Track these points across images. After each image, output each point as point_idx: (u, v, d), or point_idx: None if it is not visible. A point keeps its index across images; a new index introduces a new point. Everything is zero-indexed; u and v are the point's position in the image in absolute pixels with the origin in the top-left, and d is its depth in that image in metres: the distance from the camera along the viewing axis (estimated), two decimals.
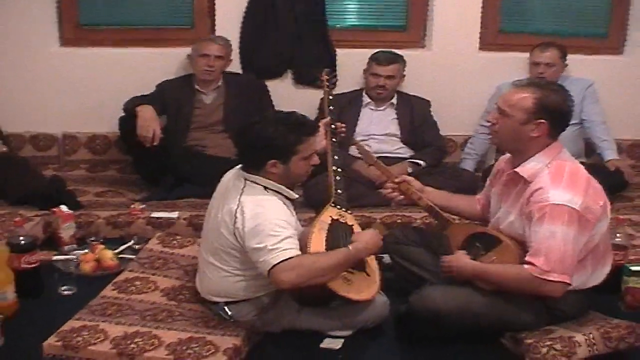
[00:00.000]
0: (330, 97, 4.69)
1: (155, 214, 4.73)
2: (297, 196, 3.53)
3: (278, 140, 3.36)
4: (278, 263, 3.20)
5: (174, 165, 5.10)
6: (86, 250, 4.29)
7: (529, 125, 3.35)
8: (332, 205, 3.81)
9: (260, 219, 3.28)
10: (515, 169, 3.43)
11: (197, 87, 5.36)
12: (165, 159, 5.02)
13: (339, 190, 3.91)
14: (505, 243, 3.43)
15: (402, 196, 3.87)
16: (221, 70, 5.36)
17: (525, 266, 3.22)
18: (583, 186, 3.29)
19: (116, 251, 4.31)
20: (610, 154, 5.46)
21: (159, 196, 5.01)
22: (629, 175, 5.34)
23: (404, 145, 5.46)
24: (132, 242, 4.48)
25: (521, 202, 3.38)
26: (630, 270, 3.77)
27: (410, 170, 5.17)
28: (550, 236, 3.18)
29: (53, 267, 4.13)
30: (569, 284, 3.23)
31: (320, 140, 3.98)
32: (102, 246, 4.28)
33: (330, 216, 3.71)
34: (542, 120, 3.33)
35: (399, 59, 5.48)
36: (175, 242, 4.36)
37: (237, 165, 3.65)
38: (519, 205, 3.41)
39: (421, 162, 5.30)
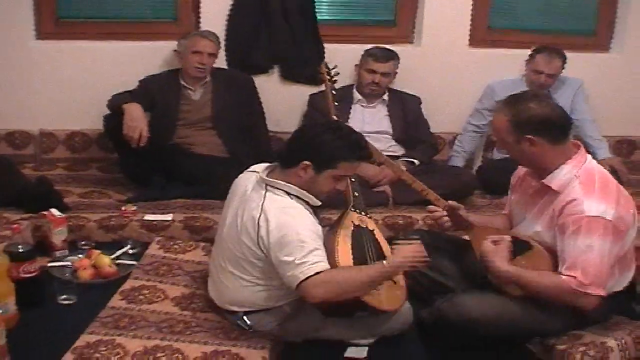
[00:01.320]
0: (334, 92, 4.57)
1: (148, 217, 4.56)
2: (320, 203, 3.37)
3: (327, 147, 3.24)
4: (307, 278, 3.07)
5: (161, 164, 4.93)
6: (81, 256, 4.10)
7: (522, 144, 3.30)
8: (352, 209, 3.70)
9: (287, 229, 3.14)
10: (543, 181, 3.35)
11: (183, 83, 5.18)
12: (151, 157, 4.83)
13: (355, 193, 3.80)
14: (537, 248, 3.36)
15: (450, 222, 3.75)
16: (212, 65, 5.19)
17: (564, 277, 3.15)
18: (615, 195, 3.24)
19: (113, 257, 4.12)
20: (603, 153, 5.48)
21: (149, 196, 4.83)
22: (623, 173, 5.31)
23: (396, 143, 5.38)
24: (128, 246, 4.29)
25: (550, 214, 3.31)
26: None
27: (404, 168, 5.06)
28: (588, 250, 3.13)
29: (50, 275, 3.93)
30: (604, 297, 3.19)
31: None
32: (98, 252, 4.08)
33: (352, 221, 3.59)
34: (529, 136, 3.26)
35: (395, 56, 5.38)
36: (177, 246, 4.21)
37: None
38: (547, 217, 3.34)
39: (415, 160, 5.22)
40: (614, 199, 3.20)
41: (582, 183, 3.23)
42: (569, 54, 5.49)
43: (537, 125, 3.26)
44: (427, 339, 3.52)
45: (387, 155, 5.11)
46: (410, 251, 3.36)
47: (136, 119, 4.68)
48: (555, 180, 3.30)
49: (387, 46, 5.46)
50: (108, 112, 4.92)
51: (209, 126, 5.21)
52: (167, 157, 4.97)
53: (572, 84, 5.55)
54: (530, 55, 5.45)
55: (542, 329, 3.37)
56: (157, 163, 4.91)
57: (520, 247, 3.39)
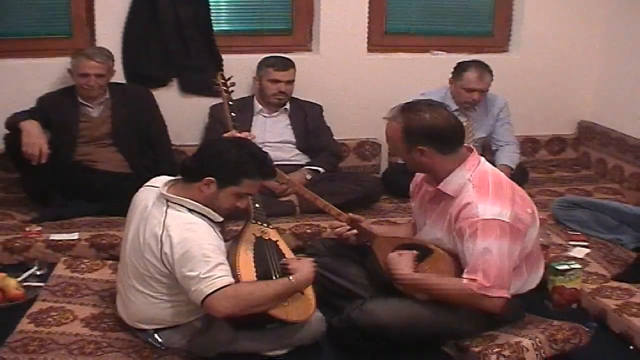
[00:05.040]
0: (231, 103, 4.58)
1: (54, 236, 4.50)
2: (222, 219, 3.39)
3: (232, 163, 3.26)
4: (212, 292, 3.09)
5: (63, 182, 4.87)
6: None
7: (413, 153, 3.36)
8: (253, 221, 3.71)
9: (190, 244, 3.15)
10: (438, 187, 3.41)
11: (81, 100, 5.11)
12: (53, 175, 4.78)
13: (256, 205, 3.80)
14: (438, 252, 3.43)
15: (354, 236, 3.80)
16: (104, 85, 5.11)
17: (465, 281, 3.21)
18: (509, 196, 3.30)
19: (20, 279, 4.05)
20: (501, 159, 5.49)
21: (50, 215, 4.77)
22: None
23: (299, 152, 5.41)
24: (35, 267, 4.22)
25: (448, 219, 3.37)
26: (556, 269, 3.86)
27: (309, 177, 5.15)
28: (486, 252, 3.18)
29: None
30: (508, 298, 3.25)
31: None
32: (4, 274, 4.01)
33: (254, 234, 3.61)
34: (420, 147, 3.32)
35: (292, 63, 5.42)
36: (83, 266, 4.17)
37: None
38: (445, 222, 3.40)
39: (319, 168, 5.26)
40: (508, 200, 3.27)
41: (476, 187, 3.29)
42: (468, 56, 5.57)
43: (427, 136, 3.31)
44: (341, 346, 3.55)
45: (291, 165, 5.20)
46: (307, 265, 3.44)
47: (34, 136, 4.62)
48: (450, 185, 3.35)
49: (285, 55, 5.50)
50: (1, 130, 4.86)
51: (109, 142, 5.16)
52: (70, 175, 4.90)
53: (497, 104, 5.58)
54: (456, 73, 5.39)
55: (453, 331, 3.41)
56: (59, 181, 4.84)
57: (421, 253, 3.46)
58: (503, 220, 3.20)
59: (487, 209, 3.21)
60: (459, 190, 3.32)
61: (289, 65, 5.37)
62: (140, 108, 5.29)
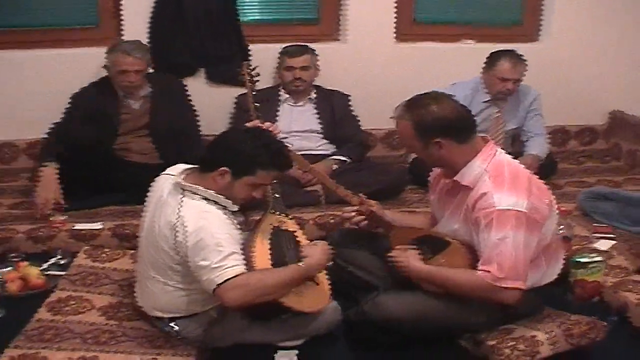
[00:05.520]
0: (254, 93, 4.58)
1: (78, 226, 4.54)
2: (237, 208, 3.38)
3: (247, 154, 3.26)
4: (223, 282, 3.09)
5: (98, 174, 4.87)
6: (9, 269, 4.06)
7: (430, 148, 3.33)
8: (271, 211, 3.70)
9: (203, 233, 3.14)
10: (455, 178, 3.38)
11: (121, 93, 5.11)
12: (90, 167, 4.82)
13: (275, 195, 3.79)
14: (454, 245, 3.40)
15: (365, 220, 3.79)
16: (143, 78, 5.11)
17: (479, 273, 3.19)
18: (526, 186, 3.26)
19: (42, 268, 4.09)
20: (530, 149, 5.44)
21: (79, 205, 4.78)
22: None
23: (326, 142, 5.39)
24: (57, 257, 4.26)
25: (464, 210, 3.34)
26: (577, 262, 3.80)
27: (335, 167, 5.12)
28: (501, 243, 3.15)
29: None
30: (524, 290, 3.21)
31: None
32: (26, 263, 4.07)
33: (271, 224, 3.60)
34: (436, 140, 3.29)
35: (309, 50, 5.40)
36: (104, 255, 4.21)
37: (160, 171, 3.51)
38: (462, 213, 3.37)
39: (345, 158, 5.24)
40: (525, 190, 3.23)
41: (492, 177, 3.26)
42: (497, 45, 5.51)
43: (440, 128, 3.28)
44: (357, 338, 3.53)
45: (317, 154, 5.18)
46: (319, 249, 3.42)
47: (47, 189, 4.68)
48: (466, 176, 3.32)
49: (312, 44, 5.49)
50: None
51: (145, 133, 5.18)
52: (106, 166, 4.93)
53: (530, 95, 5.52)
54: (489, 62, 5.34)
55: (467, 325, 3.39)
56: (92, 172, 4.86)
57: (438, 246, 3.43)
58: (519, 211, 3.16)
59: (503, 198, 3.18)
60: (475, 181, 3.29)
61: (302, 51, 5.36)
62: (174, 98, 5.31)
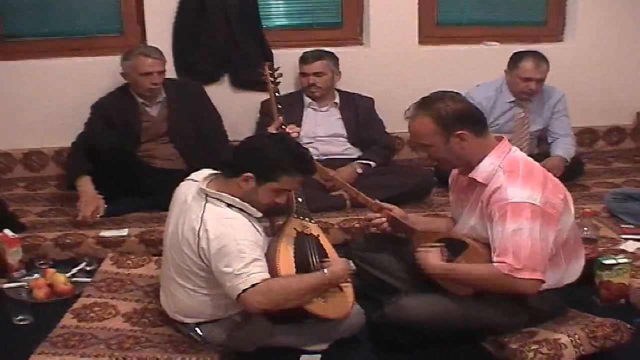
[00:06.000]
0: (277, 94, 4.58)
1: (104, 233, 4.58)
2: (260, 214, 3.38)
3: (271, 159, 3.27)
4: (246, 289, 3.09)
5: (124, 180, 4.92)
6: (37, 276, 4.11)
7: (452, 142, 3.32)
8: (295, 216, 3.71)
9: (226, 239, 3.15)
10: (470, 175, 3.38)
11: (140, 100, 5.16)
12: (118, 174, 4.86)
13: (299, 199, 3.81)
14: (473, 246, 3.38)
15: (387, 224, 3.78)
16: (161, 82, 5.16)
17: (495, 264, 3.16)
18: (540, 180, 3.26)
19: (68, 275, 4.13)
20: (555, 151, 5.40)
21: (107, 212, 4.81)
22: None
23: (351, 146, 5.39)
24: (84, 263, 4.29)
25: (480, 205, 3.33)
26: (603, 264, 3.75)
27: (360, 171, 5.11)
28: (516, 233, 3.13)
29: (4, 296, 3.95)
30: (543, 281, 3.18)
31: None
32: (53, 270, 4.10)
33: (295, 228, 3.60)
34: (460, 131, 3.29)
35: (326, 55, 5.39)
36: (129, 262, 4.24)
37: (184, 176, 3.53)
38: (478, 208, 3.36)
39: (371, 162, 5.22)
40: (539, 184, 3.22)
41: (506, 172, 3.26)
42: (521, 46, 5.49)
43: (460, 118, 3.29)
44: (379, 340, 3.52)
45: (342, 158, 5.18)
46: (341, 263, 3.44)
47: (91, 196, 4.78)
48: (480, 172, 3.33)
49: (335, 48, 5.51)
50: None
51: (167, 140, 5.21)
52: (132, 173, 4.96)
53: (555, 96, 5.49)
54: (511, 62, 5.31)
55: (489, 326, 3.37)
56: (119, 179, 4.89)
57: (458, 248, 3.42)
58: (533, 204, 3.15)
59: (517, 192, 3.18)
60: (490, 177, 3.29)
61: (317, 57, 5.35)
62: (193, 102, 5.32)
